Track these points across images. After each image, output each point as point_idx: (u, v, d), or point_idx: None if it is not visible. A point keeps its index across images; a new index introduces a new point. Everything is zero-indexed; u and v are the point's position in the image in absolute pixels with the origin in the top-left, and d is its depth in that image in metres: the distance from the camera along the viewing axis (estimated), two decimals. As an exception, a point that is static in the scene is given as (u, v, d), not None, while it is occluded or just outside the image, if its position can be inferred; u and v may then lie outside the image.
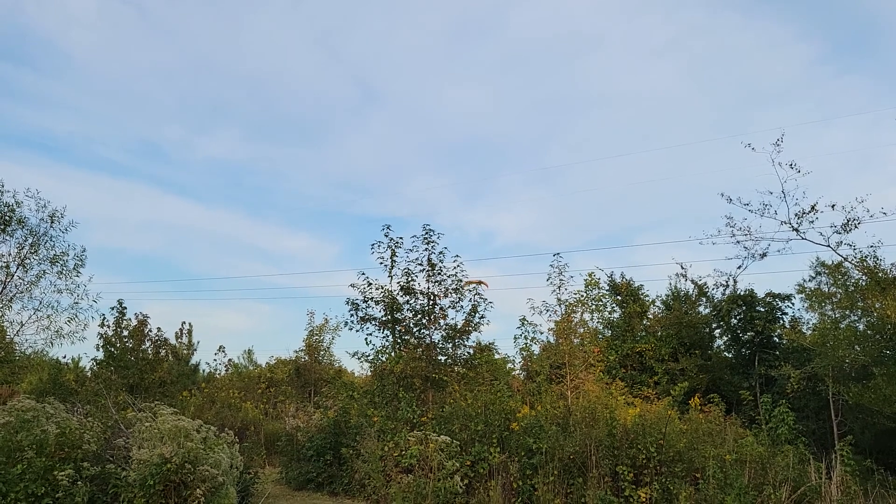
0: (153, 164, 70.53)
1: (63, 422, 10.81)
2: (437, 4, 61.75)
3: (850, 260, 14.81)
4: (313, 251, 72.25)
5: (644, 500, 10.91)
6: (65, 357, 26.19)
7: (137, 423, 10.39)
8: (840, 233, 14.01)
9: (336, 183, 76.47)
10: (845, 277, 16.35)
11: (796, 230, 14.31)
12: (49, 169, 63.10)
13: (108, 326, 19.61)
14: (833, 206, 13.87)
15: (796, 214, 14.18)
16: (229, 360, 27.20)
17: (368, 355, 16.18)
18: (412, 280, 16.11)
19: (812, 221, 14.13)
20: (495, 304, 16.44)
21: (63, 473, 9.41)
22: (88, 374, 21.59)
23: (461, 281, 16.13)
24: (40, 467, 9.49)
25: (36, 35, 59.49)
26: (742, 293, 21.10)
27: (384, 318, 16.19)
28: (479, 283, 16.93)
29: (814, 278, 18.69)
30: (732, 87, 59.72)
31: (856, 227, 13.82)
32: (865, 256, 14.50)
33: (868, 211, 13.57)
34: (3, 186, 16.51)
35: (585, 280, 17.63)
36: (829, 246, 14.25)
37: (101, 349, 19.61)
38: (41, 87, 63.01)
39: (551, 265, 16.58)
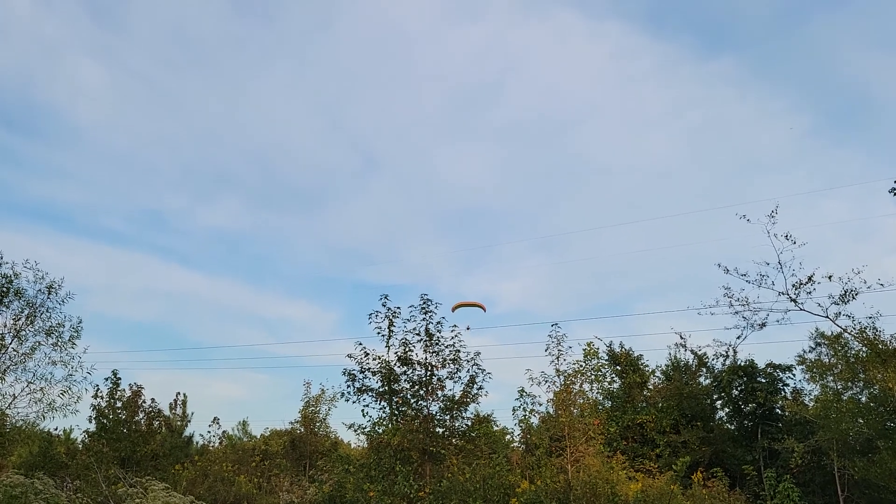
0: (155, 233, 71.17)
1: (52, 498, 10.58)
2: (437, 75, 63.62)
3: (849, 331, 14.82)
4: (312, 319, 71.94)
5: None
6: (56, 429, 25.61)
7: (128, 500, 10.17)
8: (838, 304, 14.07)
9: (336, 250, 76.99)
10: (845, 348, 16.29)
11: (794, 301, 14.36)
12: (50, 238, 63.60)
13: (102, 397, 19.31)
14: (830, 277, 13.98)
15: (794, 285, 14.27)
16: (223, 431, 26.72)
17: (365, 427, 15.92)
18: (410, 350, 16.00)
19: (809, 292, 14.22)
20: (494, 373, 16.31)
21: (49, 553, 9.15)
22: (80, 446, 21.15)
23: (459, 350, 16.02)
24: (26, 546, 9.24)
25: (45, 107, 60.97)
26: (742, 363, 20.98)
27: (381, 389, 16.00)
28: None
29: (814, 349, 18.64)
30: (729, 157, 60.90)
31: (854, 297, 13.89)
32: (865, 327, 14.52)
33: (865, 282, 13.68)
34: (1, 258, 16.47)
35: (584, 350, 17.51)
36: (827, 317, 14.28)
37: (93, 421, 19.26)
38: (48, 157, 64.21)
39: (549, 335, 16.49)
